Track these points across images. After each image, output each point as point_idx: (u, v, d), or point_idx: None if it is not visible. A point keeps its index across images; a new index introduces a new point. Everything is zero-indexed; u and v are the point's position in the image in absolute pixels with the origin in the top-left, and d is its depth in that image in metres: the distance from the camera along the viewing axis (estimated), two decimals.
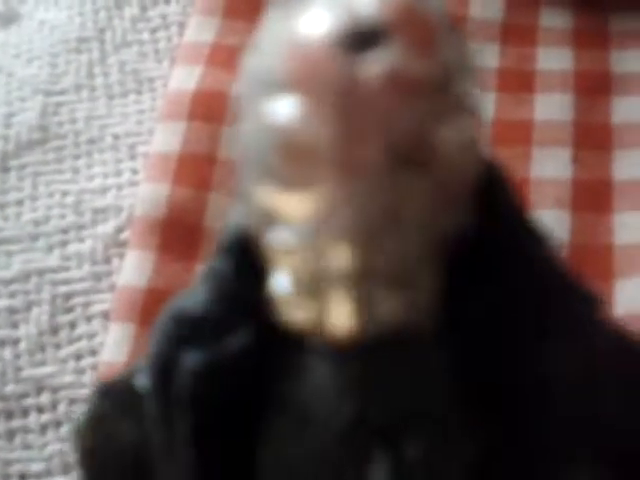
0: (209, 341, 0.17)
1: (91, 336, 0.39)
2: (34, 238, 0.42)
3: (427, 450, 0.15)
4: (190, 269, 0.39)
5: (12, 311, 0.39)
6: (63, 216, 0.42)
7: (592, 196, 0.39)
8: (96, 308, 0.40)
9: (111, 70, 0.47)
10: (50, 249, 0.41)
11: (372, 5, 0.14)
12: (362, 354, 0.16)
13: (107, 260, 0.41)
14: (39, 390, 0.37)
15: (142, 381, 0.19)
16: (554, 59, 0.44)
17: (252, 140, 0.16)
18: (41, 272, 0.41)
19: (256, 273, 0.17)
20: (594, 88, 0.42)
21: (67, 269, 0.41)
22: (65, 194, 0.43)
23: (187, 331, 0.18)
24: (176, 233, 0.39)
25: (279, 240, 0.15)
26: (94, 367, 0.38)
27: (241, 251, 0.17)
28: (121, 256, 0.40)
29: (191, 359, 0.17)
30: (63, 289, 0.40)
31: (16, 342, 0.39)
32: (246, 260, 0.17)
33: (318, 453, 0.16)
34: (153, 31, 0.49)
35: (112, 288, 0.40)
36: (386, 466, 0.15)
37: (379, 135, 0.14)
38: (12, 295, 0.40)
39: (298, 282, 0.15)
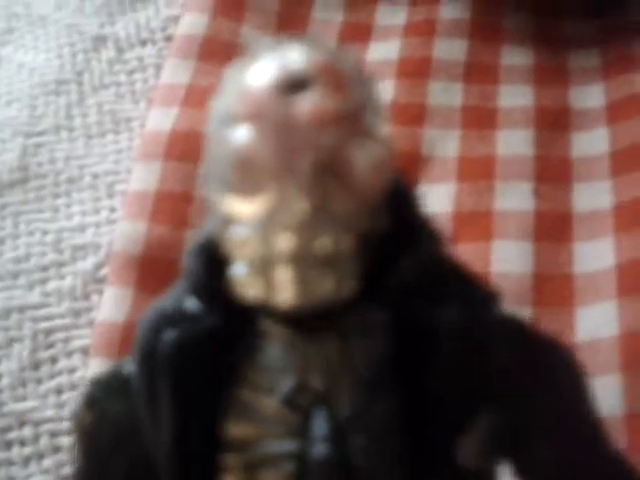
0: (184, 323, 0.22)
1: (71, 371, 0.40)
2: (15, 276, 0.43)
3: (355, 408, 0.20)
4: None
5: None
6: (43, 254, 0.43)
7: (553, 227, 0.41)
8: (76, 343, 0.41)
9: (89, 111, 0.49)
10: (31, 286, 0.42)
11: (300, 61, 0.20)
12: (301, 332, 0.21)
13: (86, 296, 0.42)
14: (21, 424, 0.38)
15: (128, 367, 0.23)
16: (515, 96, 0.46)
17: (216, 161, 0.21)
18: (22, 309, 0.42)
19: (221, 267, 0.21)
20: (554, 123, 0.44)
21: (47, 306, 0.42)
22: (45, 232, 0.44)
23: (166, 319, 0.23)
24: (153, 269, 0.40)
25: (236, 235, 0.20)
26: (75, 401, 0.39)
27: (208, 252, 0.22)
28: (100, 292, 0.41)
29: (169, 336, 0.22)
30: (44, 325, 0.41)
31: None
32: (212, 258, 0.21)
33: (270, 415, 0.21)
34: (130, 73, 0.50)
35: (91, 324, 0.41)
36: (323, 421, 0.20)
37: (307, 152, 0.19)
38: None
39: (251, 265, 0.20)
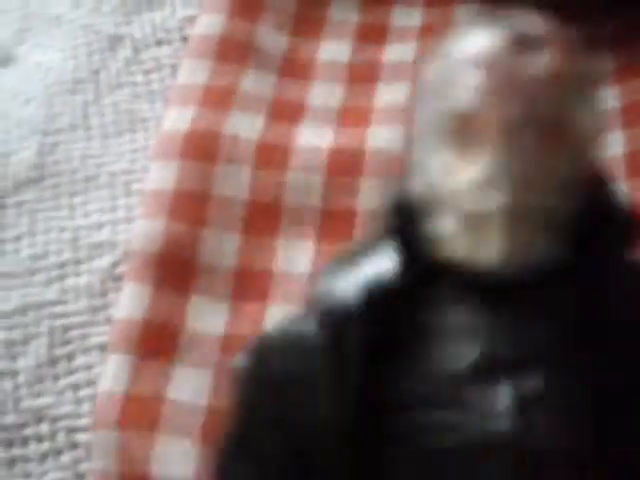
0: (377, 282, 0.23)
1: (89, 367, 0.40)
2: (32, 273, 0.43)
3: (542, 385, 0.20)
4: (185, 302, 0.40)
5: (11, 344, 0.41)
6: (60, 251, 0.44)
7: None
8: (93, 340, 0.41)
9: (106, 110, 0.49)
10: (48, 283, 0.43)
11: (534, 26, 0.22)
12: (493, 301, 0.21)
13: (103, 294, 0.42)
14: (38, 420, 0.39)
15: (309, 326, 0.24)
16: None
17: (433, 120, 0.22)
18: (39, 306, 0.42)
19: (418, 227, 0.22)
20: None
21: (65, 303, 0.42)
22: (62, 230, 0.44)
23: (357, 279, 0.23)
24: (171, 267, 0.40)
25: (451, 190, 0.21)
26: (92, 398, 0.39)
27: (407, 210, 0.22)
28: (117, 290, 0.42)
29: (361, 294, 0.23)
30: (61, 322, 0.41)
31: (15, 374, 0.40)
32: (411, 217, 0.22)
33: (446, 382, 0.21)
34: (146, 73, 0.51)
35: (108, 321, 0.41)
36: (509, 395, 0.20)
37: (532, 111, 0.21)
38: (11, 328, 0.41)
39: (463, 221, 0.21)
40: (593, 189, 0.22)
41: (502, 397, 0.21)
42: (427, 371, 0.21)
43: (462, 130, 0.20)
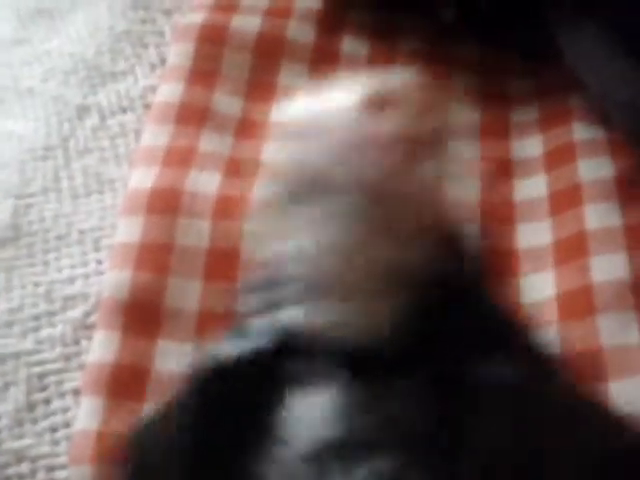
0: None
1: (65, 410, 0.43)
2: (10, 325, 0.46)
3: (398, 466, 0.20)
4: (152, 344, 0.43)
5: None
6: (36, 304, 0.47)
7: (500, 263, 0.45)
8: (68, 385, 0.44)
9: (75, 174, 0.53)
10: (24, 334, 0.46)
11: (383, 84, 0.22)
12: (351, 377, 0.20)
13: (77, 342, 0.45)
14: (19, 460, 0.42)
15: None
16: (463, 149, 0.50)
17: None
18: (17, 355, 0.45)
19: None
20: (497, 172, 0.49)
21: (40, 352, 0.45)
22: (37, 285, 0.48)
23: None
24: (139, 314, 0.44)
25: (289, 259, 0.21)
26: (68, 438, 0.42)
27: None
28: (89, 338, 0.45)
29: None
30: (37, 370, 0.45)
31: None
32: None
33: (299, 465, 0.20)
34: (112, 138, 0.54)
35: (82, 367, 0.44)
36: (364, 477, 0.19)
37: (374, 168, 0.21)
38: None
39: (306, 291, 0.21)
40: (442, 240, 0.22)
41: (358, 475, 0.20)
42: (280, 453, 0.21)
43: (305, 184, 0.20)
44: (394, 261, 0.20)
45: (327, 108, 0.22)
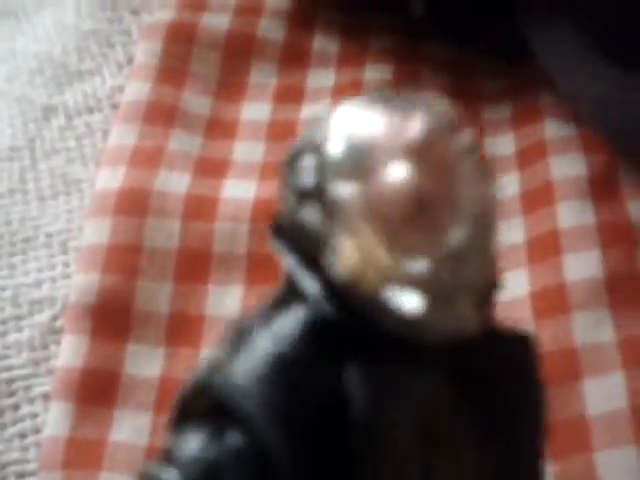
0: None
1: (33, 416, 0.42)
2: None
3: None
4: (121, 348, 0.43)
5: None
6: (2, 309, 0.46)
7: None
8: (37, 390, 0.43)
9: (42, 175, 0.52)
10: None
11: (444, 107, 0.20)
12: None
13: (45, 346, 0.45)
14: None
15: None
16: None
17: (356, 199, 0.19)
18: None
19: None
20: None
21: (8, 357, 0.44)
22: (3, 289, 0.47)
23: None
24: (107, 317, 0.43)
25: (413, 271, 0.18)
26: (38, 444, 0.41)
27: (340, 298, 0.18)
28: (57, 342, 0.44)
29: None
30: (5, 375, 0.44)
31: None
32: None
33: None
34: (79, 138, 0.54)
35: (50, 372, 0.43)
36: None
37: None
38: None
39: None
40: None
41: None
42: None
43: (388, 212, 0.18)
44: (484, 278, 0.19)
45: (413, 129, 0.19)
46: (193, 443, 0.18)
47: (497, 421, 0.20)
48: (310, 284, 0.18)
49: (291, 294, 0.18)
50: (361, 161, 0.18)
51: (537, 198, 0.46)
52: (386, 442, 0.17)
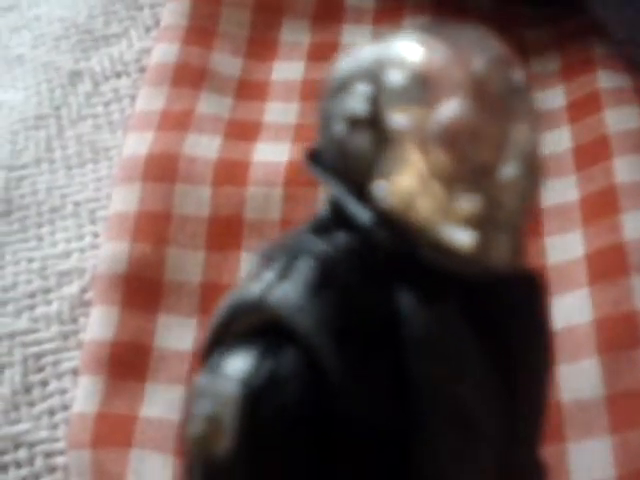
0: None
1: (62, 392, 0.41)
2: (3, 304, 0.44)
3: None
4: (152, 320, 0.41)
5: None
6: (30, 281, 0.44)
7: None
8: (66, 365, 0.41)
9: (68, 143, 0.50)
10: (19, 313, 0.43)
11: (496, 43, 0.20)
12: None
13: (74, 320, 0.43)
14: (16, 446, 0.39)
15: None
16: None
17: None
18: (12, 335, 0.42)
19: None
20: None
21: (36, 331, 0.43)
22: (31, 260, 0.45)
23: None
24: (137, 287, 0.41)
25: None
26: (67, 421, 0.39)
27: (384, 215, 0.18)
28: (86, 315, 0.42)
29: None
30: (33, 350, 0.42)
31: None
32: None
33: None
34: (106, 105, 0.52)
35: (80, 346, 0.42)
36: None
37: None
38: None
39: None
40: None
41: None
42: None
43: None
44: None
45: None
46: (245, 359, 0.18)
47: (506, 356, 0.20)
48: (360, 211, 0.18)
49: (333, 221, 0.19)
50: (420, 92, 0.18)
51: (591, 153, 0.43)
52: (441, 360, 0.18)
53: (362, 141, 0.18)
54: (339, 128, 0.19)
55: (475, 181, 0.18)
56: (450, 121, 0.18)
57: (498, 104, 0.19)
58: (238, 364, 0.18)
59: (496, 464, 0.19)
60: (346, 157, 0.19)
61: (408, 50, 0.19)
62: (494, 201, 0.18)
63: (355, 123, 0.19)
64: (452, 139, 0.18)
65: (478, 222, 0.18)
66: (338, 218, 0.19)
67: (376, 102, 0.18)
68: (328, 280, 0.18)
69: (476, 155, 0.18)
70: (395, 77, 0.18)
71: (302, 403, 0.18)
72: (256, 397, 0.18)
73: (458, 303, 0.19)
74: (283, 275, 0.19)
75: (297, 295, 0.18)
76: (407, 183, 0.18)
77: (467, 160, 0.18)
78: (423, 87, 0.18)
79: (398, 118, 0.18)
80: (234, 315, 0.19)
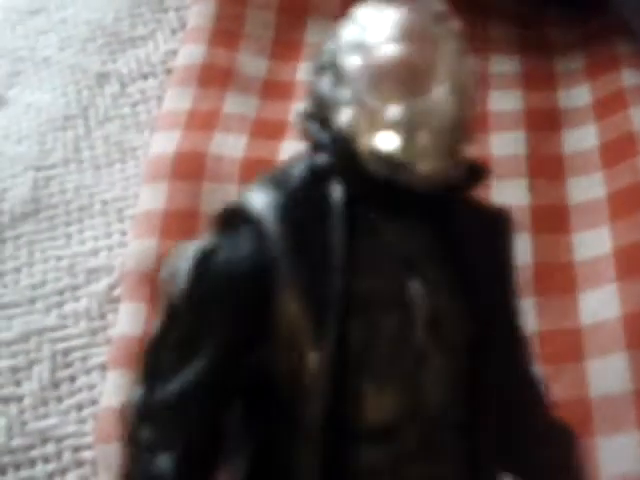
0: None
1: (90, 387, 0.41)
2: (32, 301, 0.44)
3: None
4: None
5: (15, 370, 0.42)
6: (58, 279, 0.45)
7: (550, 219, 0.42)
8: (94, 361, 0.42)
9: (96, 143, 0.51)
10: (48, 310, 0.44)
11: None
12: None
13: (102, 316, 0.43)
14: (44, 441, 0.39)
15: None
16: (506, 101, 0.47)
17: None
18: (40, 332, 0.43)
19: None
20: (545, 124, 0.46)
21: (65, 327, 0.43)
22: (59, 259, 0.46)
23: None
24: None
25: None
26: (95, 416, 0.40)
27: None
28: (115, 311, 0.43)
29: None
30: (62, 346, 0.42)
31: (20, 398, 0.41)
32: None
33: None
34: (133, 105, 0.52)
35: (108, 342, 0.42)
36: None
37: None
38: (14, 355, 0.42)
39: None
40: None
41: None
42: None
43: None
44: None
45: None
46: (209, 234, 0.25)
47: (471, 279, 0.24)
48: (322, 135, 0.23)
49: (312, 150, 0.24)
50: (363, 40, 0.24)
51: (618, 150, 0.43)
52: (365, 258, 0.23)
53: (326, 83, 0.23)
54: (313, 79, 0.24)
55: (410, 98, 0.23)
56: (385, 59, 0.23)
57: (429, 45, 0.23)
58: (204, 237, 0.25)
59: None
60: (316, 99, 0.24)
61: (359, 15, 0.24)
62: (425, 113, 0.23)
63: (320, 69, 0.24)
64: (389, 72, 0.23)
65: (405, 129, 0.22)
66: (314, 148, 0.24)
67: (335, 53, 0.24)
68: (284, 183, 0.24)
69: (411, 83, 0.23)
70: (347, 32, 0.24)
71: (246, 260, 0.23)
72: (206, 253, 0.24)
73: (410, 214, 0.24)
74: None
75: (259, 195, 0.24)
76: (353, 109, 0.23)
77: (403, 87, 0.23)
78: (365, 37, 0.24)
79: (347, 61, 0.23)
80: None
